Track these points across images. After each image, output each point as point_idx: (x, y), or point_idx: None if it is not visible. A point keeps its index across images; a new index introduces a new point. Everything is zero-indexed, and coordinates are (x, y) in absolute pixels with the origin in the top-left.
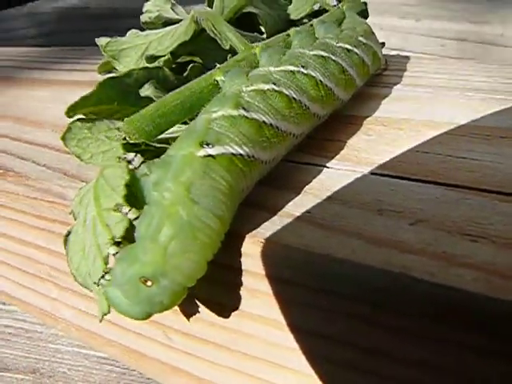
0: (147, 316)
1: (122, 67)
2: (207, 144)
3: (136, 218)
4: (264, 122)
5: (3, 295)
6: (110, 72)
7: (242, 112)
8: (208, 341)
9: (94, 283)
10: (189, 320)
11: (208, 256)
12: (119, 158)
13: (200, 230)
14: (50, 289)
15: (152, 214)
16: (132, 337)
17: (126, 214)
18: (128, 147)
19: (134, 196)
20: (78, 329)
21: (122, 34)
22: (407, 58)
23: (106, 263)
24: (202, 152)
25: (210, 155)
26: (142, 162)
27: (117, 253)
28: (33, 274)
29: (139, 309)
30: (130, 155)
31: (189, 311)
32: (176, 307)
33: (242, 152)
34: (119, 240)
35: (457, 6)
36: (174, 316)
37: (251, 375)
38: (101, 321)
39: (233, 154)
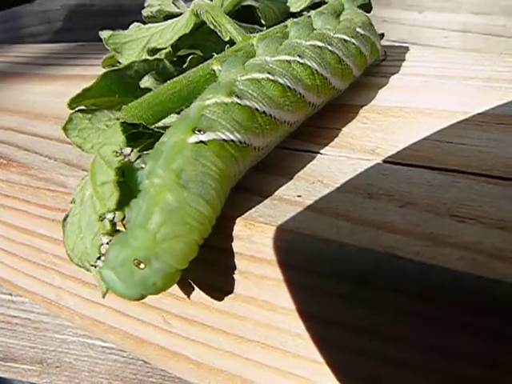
0: (141, 297)
1: (125, 60)
2: (199, 130)
3: (123, 219)
4: (257, 109)
5: (8, 284)
6: (114, 66)
7: (235, 99)
8: (205, 324)
9: (91, 265)
10: (186, 304)
11: (198, 239)
12: (116, 152)
13: (189, 215)
14: (54, 277)
15: (142, 201)
16: (132, 323)
17: (112, 219)
18: (127, 127)
19: (129, 188)
20: (81, 316)
21: None
22: (407, 48)
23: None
24: (193, 138)
25: (201, 141)
26: (138, 157)
27: (110, 241)
28: (37, 262)
29: (133, 290)
30: (127, 150)
31: (185, 295)
32: (173, 291)
33: (233, 138)
34: (113, 230)
35: None
36: (171, 300)
37: (247, 358)
38: (103, 297)
39: (224, 139)
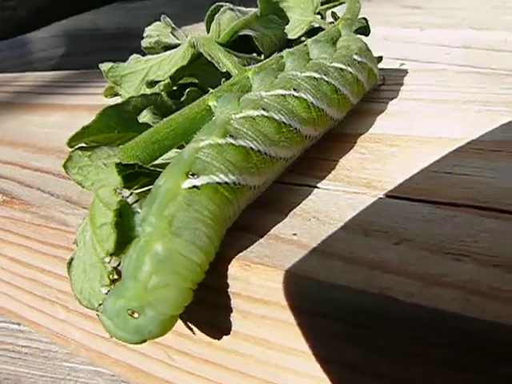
0: (140, 342)
1: (124, 92)
2: (192, 174)
3: (119, 265)
4: (251, 148)
5: (15, 316)
6: (115, 95)
7: (229, 140)
8: (208, 361)
9: (95, 310)
10: (188, 341)
11: (191, 286)
12: (115, 190)
13: (180, 264)
14: (58, 311)
15: (133, 251)
16: (137, 357)
17: (109, 262)
18: (122, 168)
19: (127, 231)
20: (87, 349)
21: (132, 54)
22: (405, 71)
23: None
24: (186, 184)
25: (194, 186)
26: (136, 201)
27: (108, 291)
28: (41, 296)
29: (130, 337)
30: (126, 192)
31: (187, 332)
32: (176, 328)
33: (227, 180)
34: (112, 279)
35: (460, 13)
36: (174, 337)
37: None
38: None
39: (218, 182)
